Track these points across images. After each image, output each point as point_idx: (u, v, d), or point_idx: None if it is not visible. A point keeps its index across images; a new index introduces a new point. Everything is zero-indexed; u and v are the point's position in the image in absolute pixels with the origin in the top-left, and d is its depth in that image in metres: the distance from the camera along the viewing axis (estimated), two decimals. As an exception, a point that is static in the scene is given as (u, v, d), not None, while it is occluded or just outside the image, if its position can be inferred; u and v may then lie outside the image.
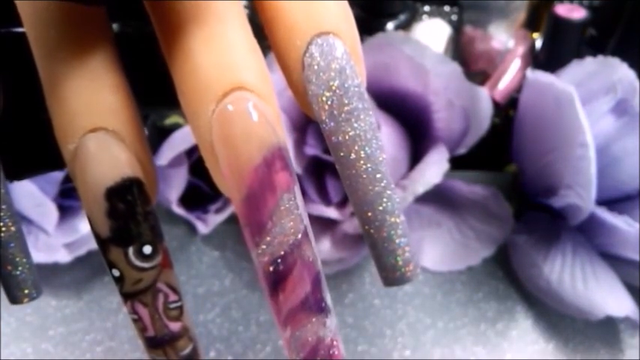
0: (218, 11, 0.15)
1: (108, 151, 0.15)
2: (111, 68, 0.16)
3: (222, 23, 0.15)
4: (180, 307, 0.16)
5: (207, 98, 0.15)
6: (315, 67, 0.15)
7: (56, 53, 0.15)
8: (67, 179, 0.47)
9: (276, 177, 0.14)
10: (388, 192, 0.16)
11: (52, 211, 0.47)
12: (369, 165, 0.15)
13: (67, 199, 0.49)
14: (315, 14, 0.15)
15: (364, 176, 0.15)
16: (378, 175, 0.15)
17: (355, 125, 0.15)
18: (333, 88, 0.15)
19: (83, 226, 0.49)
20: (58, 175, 0.47)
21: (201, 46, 0.15)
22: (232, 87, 0.15)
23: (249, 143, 0.14)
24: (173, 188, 0.50)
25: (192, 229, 0.53)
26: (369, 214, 0.16)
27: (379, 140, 0.15)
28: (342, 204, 0.47)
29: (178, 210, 0.51)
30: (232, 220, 0.53)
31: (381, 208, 0.16)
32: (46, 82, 0.16)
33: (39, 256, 0.47)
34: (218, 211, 0.52)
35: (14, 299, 0.16)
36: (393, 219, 0.16)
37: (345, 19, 0.16)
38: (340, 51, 0.15)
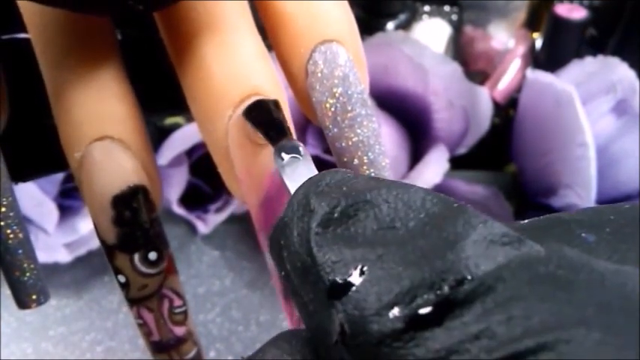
0: (229, 19, 0.15)
1: (114, 159, 0.15)
2: (116, 77, 0.16)
3: (234, 31, 0.15)
4: (185, 312, 0.16)
5: (224, 104, 0.15)
6: (319, 74, 0.15)
7: (62, 62, 0.16)
8: (67, 179, 0.47)
9: None
10: None
11: (52, 211, 0.47)
12: (372, 170, 0.15)
13: (67, 199, 0.49)
14: (319, 22, 0.15)
15: None
16: None
17: (358, 131, 0.15)
18: (337, 94, 0.15)
19: (83, 226, 0.49)
20: (58, 175, 0.47)
21: (215, 54, 0.15)
22: (249, 93, 0.15)
23: (266, 148, 0.14)
24: (173, 188, 0.50)
25: (192, 229, 0.53)
26: (372, 218, 0.16)
27: (382, 145, 0.16)
28: (342, 204, 0.47)
29: (178, 210, 0.51)
30: (232, 220, 0.53)
31: (383, 212, 0.16)
32: (52, 90, 0.16)
33: (39, 256, 0.47)
34: (218, 211, 0.52)
35: (22, 304, 0.16)
36: None
37: (348, 26, 0.16)
38: (343, 58, 0.15)
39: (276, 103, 0.14)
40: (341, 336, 0.11)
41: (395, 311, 0.10)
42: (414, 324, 0.10)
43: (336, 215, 0.12)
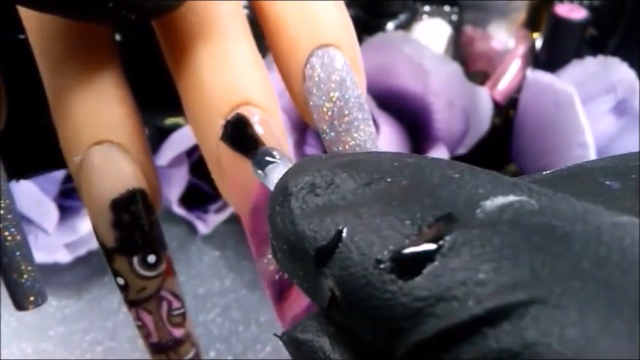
0: (224, 27, 0.15)
1: (113, 163, 0.15)
2: (115, 81, 0.16)
3: (228, 39, 0.15)
4: (183, 314, 0.16)
5: (215, 113, 0.15)
6: (316, 78, 0.15)
7: (62, 67, 0.16)
8: (67, 179, 0.47)
9: None
10: None
11: (52, 211, 0.47)
12: None
13: (67, 199, 0.49)
14: (316, 26, 0.15)
15: None
16: None
17: (355, 135, 0.15)
18: (334, 99, 0.15)
19: (83, 226, 0.49)
20: (58, 175, 0.47)
21: (208, 62, 0.15)
22: (239, 102, 0.15)
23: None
24: (173, 188, 0.50)
25: (192, 229, 0.53)
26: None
27: (378, 149, 0.16)
28: (342, 204, 0.47)
29: (178, 210, 0.51)
30: (232, 220, 0.53)
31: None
32: (52, 95, 0.16)
33: (39, 256, 0.47)
34: (218, 211, 0.53)
35: (20, 306, 0.16)
36: None
37: (345, 30, 0.16)
38: (340, 62, 0.15)
39: (246, 120, 0.15)
40: (332, 301, 0.11)
41: (379, 263, 0.10)
42: (400, 272, 0.10)
43: (314, 189, 0.12)
